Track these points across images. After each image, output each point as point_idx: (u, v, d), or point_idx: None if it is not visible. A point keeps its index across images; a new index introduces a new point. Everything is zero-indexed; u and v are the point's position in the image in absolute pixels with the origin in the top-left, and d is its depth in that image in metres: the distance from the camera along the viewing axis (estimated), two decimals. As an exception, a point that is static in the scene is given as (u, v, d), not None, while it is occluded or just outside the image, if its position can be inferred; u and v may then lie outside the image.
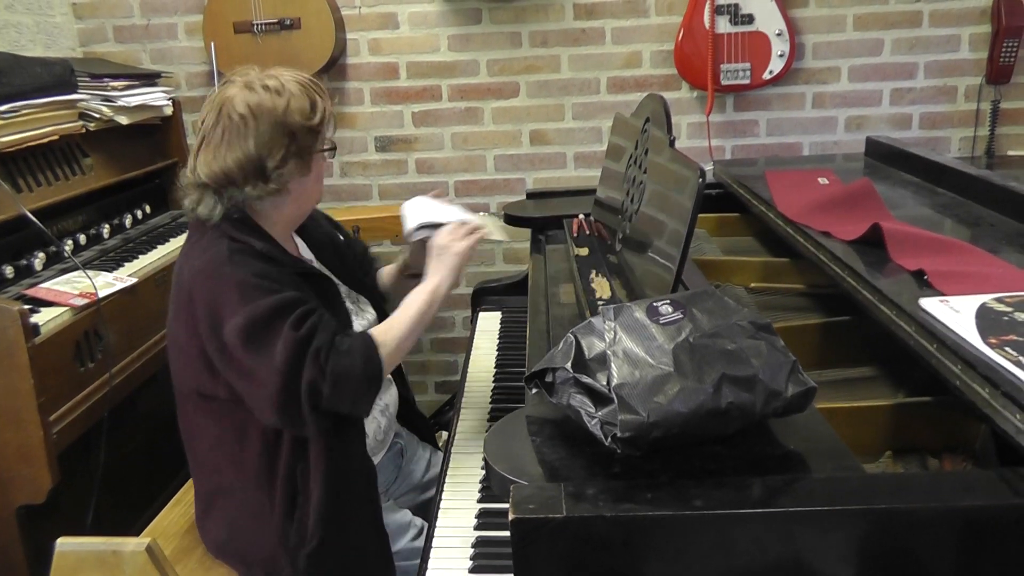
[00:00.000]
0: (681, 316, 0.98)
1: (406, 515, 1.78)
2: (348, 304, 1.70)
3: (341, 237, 1.88)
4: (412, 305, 1.58)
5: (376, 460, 1.73)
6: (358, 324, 1.69)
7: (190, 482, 2.16)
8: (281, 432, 1.52)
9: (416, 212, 1.75)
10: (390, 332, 1.54)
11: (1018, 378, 0.91)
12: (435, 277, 1.61)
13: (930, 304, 1.12)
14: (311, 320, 1.44)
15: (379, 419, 1.78)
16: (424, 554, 1.40)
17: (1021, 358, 0.95)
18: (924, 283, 1.23)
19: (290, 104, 1.50)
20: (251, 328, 1.41)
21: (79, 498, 2.11)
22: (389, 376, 1.81)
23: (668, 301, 1.00)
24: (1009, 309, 1.08)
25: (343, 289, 1.73)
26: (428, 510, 1.58)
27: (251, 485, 1.56)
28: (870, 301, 1.24)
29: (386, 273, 1.98)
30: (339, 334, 1.47)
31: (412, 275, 1.85)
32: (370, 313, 1.78)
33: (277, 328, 1.41)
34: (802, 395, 0.96)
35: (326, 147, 1.59)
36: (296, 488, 1.53)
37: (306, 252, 1.76)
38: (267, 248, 1.52)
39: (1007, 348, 0.97)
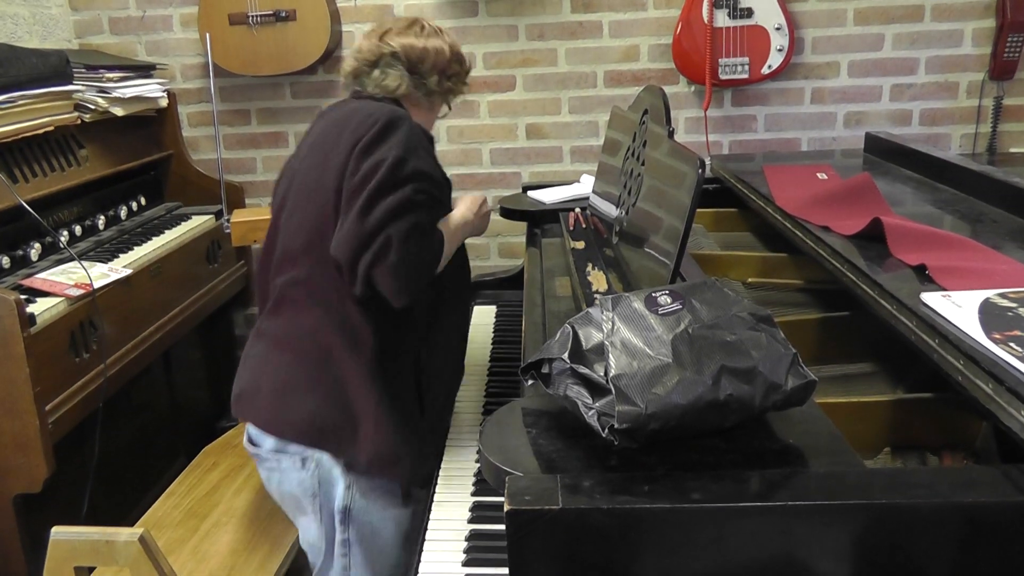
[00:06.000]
0: (680, 307, 0.97)
1: None
2: None
3: None
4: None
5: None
6: None
7: (184, 474, 2.16)
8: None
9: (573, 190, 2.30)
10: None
11: (1023, 374, 0.90)
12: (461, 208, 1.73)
13: (932, 299, 1.11)
14: (431, 202, 1.54)
15: None
16: (417, 547, 1.39)
17: None
18: (926, 278, 1.22)
19: None
20: (395, 167, 1.48)
21: (74, 488, 2.11)
22: None
23: (667, 291, 0.99)
24: (1013, 305, 1.07)
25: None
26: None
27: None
28: (870, 296, 1.23)
29: None
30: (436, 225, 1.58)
31: None
32: None
33: (405, 187, 1.49)
34: (802, 388, 0.95)
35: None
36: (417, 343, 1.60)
37: None
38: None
39: (1011, 344, 0.96)
